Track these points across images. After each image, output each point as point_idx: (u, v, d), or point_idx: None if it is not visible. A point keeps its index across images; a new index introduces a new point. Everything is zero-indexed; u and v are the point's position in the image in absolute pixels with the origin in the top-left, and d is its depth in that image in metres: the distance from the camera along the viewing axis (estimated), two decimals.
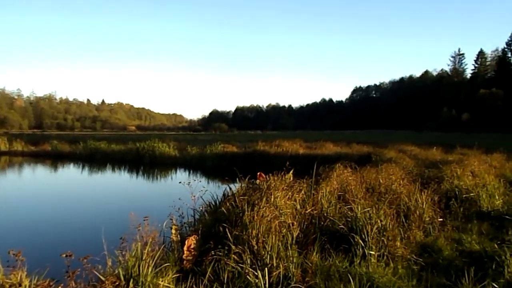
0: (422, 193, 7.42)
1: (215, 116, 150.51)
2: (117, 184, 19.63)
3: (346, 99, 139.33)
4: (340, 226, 5.62)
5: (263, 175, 7.26)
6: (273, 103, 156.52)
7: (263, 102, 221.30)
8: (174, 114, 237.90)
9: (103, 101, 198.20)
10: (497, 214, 7.60)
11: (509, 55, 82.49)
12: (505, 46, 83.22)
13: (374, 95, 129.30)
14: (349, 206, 6.14)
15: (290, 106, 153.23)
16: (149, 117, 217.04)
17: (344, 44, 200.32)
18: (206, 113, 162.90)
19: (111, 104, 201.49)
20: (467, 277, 4.40)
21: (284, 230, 5.23)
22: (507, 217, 7.21)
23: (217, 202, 6.48)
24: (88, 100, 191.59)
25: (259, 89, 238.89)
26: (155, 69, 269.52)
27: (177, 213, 5.93)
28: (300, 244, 5.32)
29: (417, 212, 6.84)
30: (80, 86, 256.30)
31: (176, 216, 5.85)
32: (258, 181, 7.00)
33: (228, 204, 5.81)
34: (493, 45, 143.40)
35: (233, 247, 4.66)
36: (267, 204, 5.47)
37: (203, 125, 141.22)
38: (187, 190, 6.30)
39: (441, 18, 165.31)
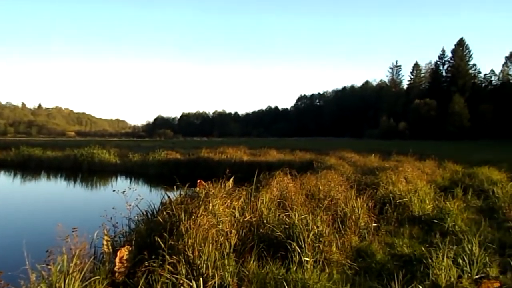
0: (359, 199, 7.64)
1: (160, 122, 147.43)
2: (50, 193, 18.52)
3: (291, 107, 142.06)
4: (278, 233, 5.63)
5: (203, 182, 7.15)
6: (220, 109, 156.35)
7: (210, 108, 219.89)
8: (117, 120, 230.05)
9: (39, 105, 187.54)
10: (427, 218, 7.98)
11: (441, 68, 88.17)
12: (438, 59, 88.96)
13: (318, 104, 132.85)
14: (287, 213, 6.18)
15: (236, 113, 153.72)
16: (90, 122, 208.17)
17: (288, 53, 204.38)
18: (151, 119, 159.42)
19: (48, 108, 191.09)
20: (397, 280, 4.56)
21: (222, 239, 5.16)
22: (435, 221, 7.59)
23: (154, 211, 6.26)
24: (23, 104, 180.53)
25: (205, 96, 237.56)
26: (96, 72, 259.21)
27: (110, 223, 5.66)
28: (238, 252, 5.26)
29: (353, 217, 7.02)
30: (15, 89, 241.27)
31: (109, 226, 5.58)
32: (198, 188, 6.89)
33: (164, 213, 5.65)
34: (427, 58, 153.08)
35: (167, 257, 4.51)
36: (205, 213, 5.38)
37: (147, 131, 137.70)
38: (123, 199, 6.05)
39: (381, 31, 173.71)
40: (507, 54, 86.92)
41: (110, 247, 5.20)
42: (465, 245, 5.53)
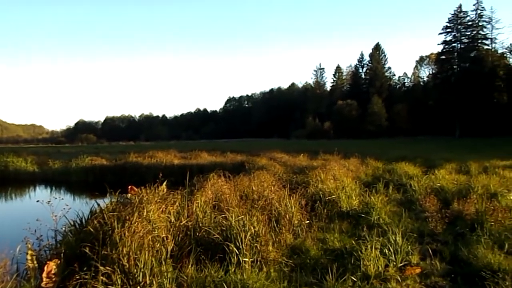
0: (291, 198, 7.86)
1: (82, 127, 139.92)
2: None
3: (220, 109, 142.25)
4: (215, 236, 5.63)
5: (134, 188, 6.92)
6: (146, 112, 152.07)
7: (136, 111, 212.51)
8: (33, 125, 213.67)
9: None
10: (355, 213, 8.43)
11: (360, 70, 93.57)
12: (357, 63, 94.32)
13: (247, 105, 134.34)
14: (223, 215, 6.20)
15: (164, 115, 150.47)
16: (1, 128, 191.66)
17: (215, 55, 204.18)
18: (71, 124, 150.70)
19: None
20: (331, 274, 4.79)
21: (158, 245, 5.05)
22: (362, 215, 8.05)
23: (83, 220, 5.95)
24: None
25: (131, 98, 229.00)
26: (6, 74, 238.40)
27: (34, 236, 5.29)
28: (175, 258, 5.19)
29: (287, 216, 7.22)
30: None
31: (33, 240, 5.22)
32: (129, 194, 6.66)
33: (95, 221, 5.38)
34: (348, 61, 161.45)
35: (101, 267, 4.32)
36: (139, 219, 5.22)
37: (67, 136, 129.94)
38: (47, 209, 5.67)
39: (305, 33, 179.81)
40: (418, 58, 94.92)
41: (35, 262, 4.87)
42: (389, 236, 5.94)
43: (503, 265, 5.08)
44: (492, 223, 7.05)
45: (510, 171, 13.95)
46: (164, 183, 7.46)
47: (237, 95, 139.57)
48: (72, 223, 5.91)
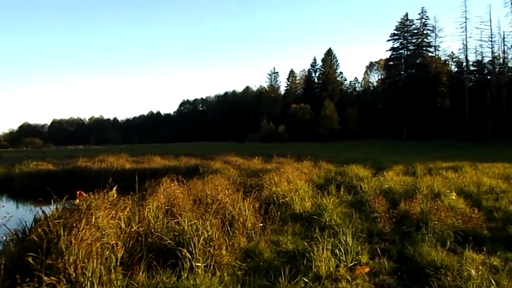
0: (245, 201, 7.87)
1: (27, 130, 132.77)
2: None
3: (174, 112, 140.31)
4: (168, 241, 5.53)
5: (83, 194, 6.67)
6: (97, 115, 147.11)
7: (85, 114, 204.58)
8: None
9: None
10: (307, 215, 8.57)
11: (313, 75, 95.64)
12: (310, 67, 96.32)
13: (201, 108, 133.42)
14: (176, 220, 6.10)
15: (115, 118, 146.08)
16: None
17: (169, 58, 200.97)
18: (15, 127, 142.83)
19: None
20: (283, 275, 4.84)
21: (107, 252, 4.88)
22: (314, 217, 8.20)
23: (26, 229, 5.63)
24: None
25: (80, 100, 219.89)
26: None
27: None
28: (126, 265, 5.04)
29: (241, 219, 7.23)
30: None
31: None
32: (77, 201, 6.40)
33: (39, 230, 5.12)
34: (301, 65, 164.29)
35: (45, 278, 4.12)
36: (88, 226, 5.02)
37: (10, 140, 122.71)
38: None
39: (259, 37, 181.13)
40: (367, 64, 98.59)
41: None
42: (340, 237, 6.10)
43: (445, 261, 5.35)
44: (436, 222, 7.41)
45: (452, 172, 14.72)
46: (114, 188, 7.23)
47: (191, 98, 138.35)
48: (13, 232, 5.58)
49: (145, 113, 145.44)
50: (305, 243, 6.25)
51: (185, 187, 8.97)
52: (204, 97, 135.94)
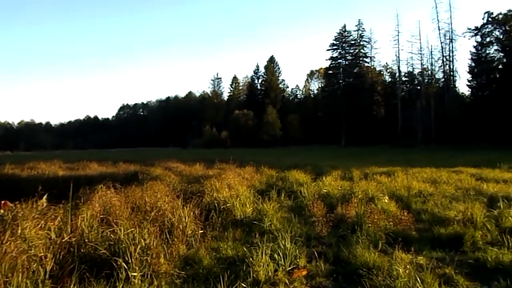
0: (185, 208, 7.76)
1: None
2: None
3: (113, 116, 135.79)
4: (102, 251, 5.31)
5: (8, 203, 6.26)
6: (27, 119, 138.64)
7: (14, 118, 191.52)
8: None
9: None
10: (248, 220, 8.60)
11: (256, 81, 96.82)
12: (253, 74, 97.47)
13: (142, 113, 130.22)
14: (112, 229, 5.88)
15: (48, 123, 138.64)
16: None
17: (109, 60, 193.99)
18: None
19: None
20: (223, 282, 4.82)
21: (35, 265, 4.60)
22: (255, 222, 8.25)
23: None
24: None
25: (7, 103, 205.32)
26: None
27: None
28: (55, 278, 4.76)
29: (181, 226, 7.11)
30: None
31: None
32: (1, 211, 5.99)
33: None
34: (244, 72, 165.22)
35: None
36: (12, 238, 4.71)
37: None
38: None
39: (201, 43, 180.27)
40: (308, 72, 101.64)
41: None
42: (279, 241, 6.18)
43: (377, 262, 5.60)
44: (370, 225, 7.73)
45: (385, 177, 15.45)
46: (45, 196, 6.88)
47: (131, 103, 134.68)
48: None
49: (82, 117, 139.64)
50: (245, 249, 6.26)
51: (123, 194, 8.69)
52: (145, 102, 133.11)
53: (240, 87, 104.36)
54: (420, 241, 7.02)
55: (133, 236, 5.54)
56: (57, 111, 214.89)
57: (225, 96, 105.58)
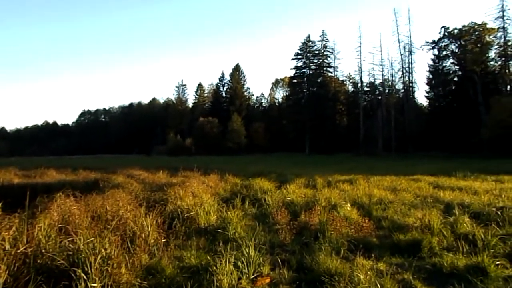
0: (148, 216, 7.64)
1: None
2: None
3: (73, 122, 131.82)
4: (60, 262, 5.13)
5: None
6: None
7: None
8: None
9: None
10: (212, 229, 8.55)
11: (221, 89, 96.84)
12: (218, 81, 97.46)
13: (104, 119, 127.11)
14: (71, 238, 5.70)
15: (3, 128, 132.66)
16: None
17: (69, 64, 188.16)
18: None
19: None
20: None
21: None
22: (219, 230, 8.22)
23: None
24: None
25: None
26: None
27: None
28: None
29: (143, 235, 6.99)
30: None
31: None
32: None
33: None
34: (209, 79, 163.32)
35: None
36: None
37: None
38: None
39: (165, 48, 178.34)
40: (273, 80, 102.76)
41: None
42: (243, 249, 6.19)
43: (339, 269, 5.71)
44: (332, 232, 7.88)
45: (348, 185, 15.80)
46: None
47: (92, 108, 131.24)
48: None
49: (39, 123, 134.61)
50: (209, 257, 6.23)
51: (83, 203, 8.44)
52: (107, 108, 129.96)
53: (205, 95, 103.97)
54: (380, 248, 7.21)
55: (93, 246, 5.39)
56: (13, 116, 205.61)
57: (190, 103, 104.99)
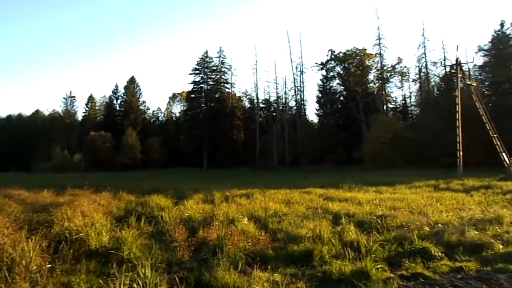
0: (30, 240, 6.94)
1: None
2: None
3: None
4: None
5: None
6: None
7: None
8: None
9: None
10: (104, 250, 8.04)
11: (115, 102, 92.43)
12: (112, 94, 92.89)
13: None
14: None
15: None
16: None
17: None
18: None
19: None
20: None
21: None
22: (112, 251, 7.77)
23: None
24: None
25: None
26: None
27: None
28: None
29: (23, 262, 6.30)
30: None
31: None
32: None
33: None
34: (101, 91, 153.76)
35: None
36: None
37: None
38: None
39: (56, 55, 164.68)
40: (171, 95, 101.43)
41: None
42: (139, 270, 5.94)
43: (237, 283, 5.79)
44: (230, 246, 7.95)
45: (245, 199, 16.11)
46: None
47: None
48: None
49: None
50: (101, 281, 5.85)
51: None
52: None
53: (97, 107, 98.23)
54: (276, 259, 7.47)
55: None
56: None
57: (80, 116, 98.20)
